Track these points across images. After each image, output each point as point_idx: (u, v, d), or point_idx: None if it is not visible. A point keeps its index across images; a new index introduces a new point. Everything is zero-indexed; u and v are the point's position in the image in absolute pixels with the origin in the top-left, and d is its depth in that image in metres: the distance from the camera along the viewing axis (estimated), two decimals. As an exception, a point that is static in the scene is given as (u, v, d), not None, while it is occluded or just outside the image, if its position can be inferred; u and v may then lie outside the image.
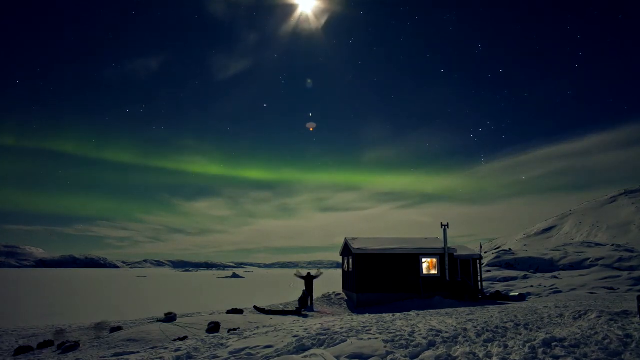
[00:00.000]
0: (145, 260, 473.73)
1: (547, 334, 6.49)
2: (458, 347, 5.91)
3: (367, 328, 7.58)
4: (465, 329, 7.14)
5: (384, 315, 10.51)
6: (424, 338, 6.47)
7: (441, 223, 19.92)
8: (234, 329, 10.96)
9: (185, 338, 9.76)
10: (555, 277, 28.14)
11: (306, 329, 7.92)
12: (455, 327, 7.41)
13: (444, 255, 19.57)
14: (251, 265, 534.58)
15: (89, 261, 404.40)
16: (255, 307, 18.41)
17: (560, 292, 23.41)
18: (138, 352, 7.78)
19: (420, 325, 7.75)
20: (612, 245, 37.47)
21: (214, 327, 11.51)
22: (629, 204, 60.18)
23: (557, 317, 8.67)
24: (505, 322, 7.94)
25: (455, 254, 20.05)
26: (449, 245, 19.77)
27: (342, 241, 22.52)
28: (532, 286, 25.57)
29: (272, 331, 8.31)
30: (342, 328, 7.67)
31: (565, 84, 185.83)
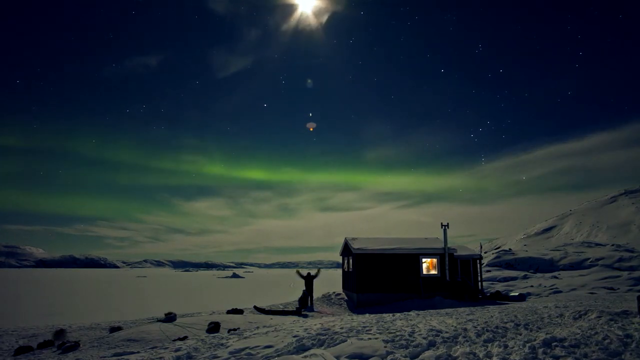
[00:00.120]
0: (145, 260, 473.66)
1: (547, 334, 6.48)
2: (458, 347, 5.91)
3: (367, 328, 7.58)
4: (465, 329, 7.13)
5: (384, 315, 10.51)
6: (424, 338, 6.47)
7: (441, 223, 19.93)
8: (234, 329, 10.96)
9: (185, 338, 9.76)
10: (555, 277, 28.13)
11: (306, 329, 7.92)
12: (455, 327, 7.41)
13: (444, 255, 19.57)
14: (251, 265, 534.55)
15: (89, 261, 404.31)
16: (255, 307, 18.41)
17: (560, 292, 23.41)
18: (138, 352, 7.78)
19: (421, 325, 7.75)
20: (612, 245, 37.46)
21: (214, 327, 11.51)
22: (629, 204, 60.17)
23: (557, 317, 8.67)
24: (505, 322, 7.94)
25: (455, 254, 20.05)
26: (449, 245, 19.76)
27: (342, 241, 22.52)
28: (532, 286, 25.56)
29: (272, 331, 8.31)
30: (342, 328, 7.67)
31: (566, 84, 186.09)
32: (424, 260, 19.79)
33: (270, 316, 15.12)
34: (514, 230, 72.96)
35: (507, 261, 33.80)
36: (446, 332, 6.86)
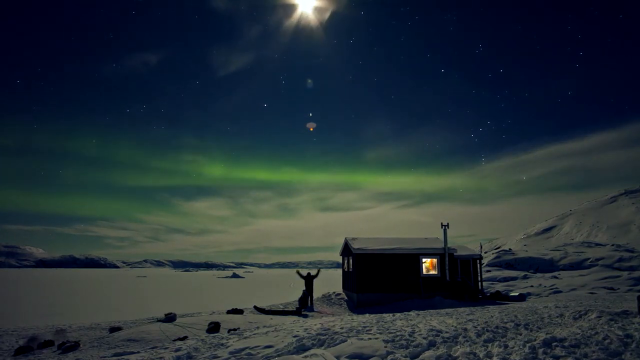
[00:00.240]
0: (145, 260, 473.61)
1: (547, 334, 6.48)
2: (458, 347, 5.91)
3: (368, 328, 7.58)
4: (465, 329, 7.13)
5: (384, 315, 10.51)
6: (424, 338, 6.47)
7: (441, 223, 19.93)
8: (234, 329, 10.95)
9: (185, 338, 9.76)
10: (555, 277, 28.13)
11: (306, 329, 7.92)
12: (456, 327, 7.40)
13: (444, 255, 19.56)
14: (251, 265, 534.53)
15: (89, 261, 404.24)
16: (255, 307, 18.40)
17: (560, 292, 23.41)
18: (138, 352, 7.78)
19: (421, 325, 7.75)
20: (612, 245, 37.46)
21: (214, 327, 11.51)
22: (629, 204, 60.16)
23: (557, 317, 8.67)
24: (506, 322, 7.94)
25: (455, 254, 20.05)
26: (449, 245, 19.76)
27: (342, 241, 22.52)
28: (532, 286, 25.56)
29: (272, 331, 8.31)
30: (342, 328, 7.67)
31: (566, 84, 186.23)
32: (424, 260, 19.79)
33: (270, 316, 15.11)
34: (514, 230, 73.04)
35: (507, 261, 33.80)
36: (446, 332, 6.86)
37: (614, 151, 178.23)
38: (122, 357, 7.64)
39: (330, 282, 35.44)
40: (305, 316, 15.81)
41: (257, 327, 10.63)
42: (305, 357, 5.56)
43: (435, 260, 19.79)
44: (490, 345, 5.98)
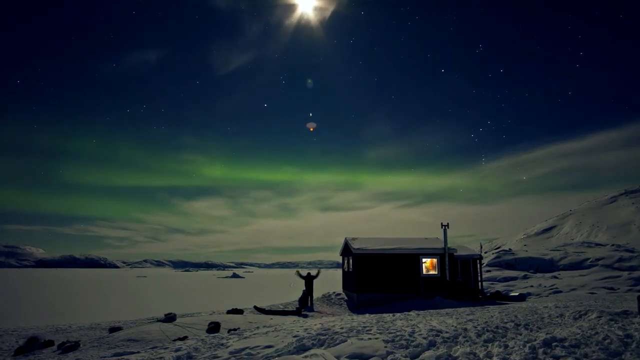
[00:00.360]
0: (145, 260, 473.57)
1: (547, 334, 6.48)
2: (458, 347, 5.91)
3: (368, 328, 7.58)
4: (465, 329, 7.13)
5: (384, 315, 10.51)
6: (424, 338, 6.47)
7: (441, 223, 19.93)
8: (234, 329, 10.95)
9: (185, 338, 9.76)
10: (555, 277, 28.13)
11: (306, 329, 7.92)
12: (456, 327, 7.40)
13: (444, 255, 19.56)
14: (251, 265, 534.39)
15: (89, 261, 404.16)
16: (255, 307, 18.40)
17: (560, 292, 23.41)
18: (138, 352, 7.78)
19: (421, 325, 7.75)
20: (612, 245, 37.46)
21: (214, 327, 11.51)
22: (629, 204, 60.17)
23: (557, 317, 8.67)
24: (506, 322, 7.93)
25: (455, 254, 20.05)
26: (449, 245, 19.76)
27: (342, 241, 22.51)
28: (532, 286, 25.56)
29: (273, 331, 8.31)
30: (342, 328, 7.67)
31: (566, 84, 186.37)
32: (424, 260, 19.79)
33: (271, 316, 15.11)
34: (514, 230, 73.03)
35: (507, 261, 33.80)
36: (446, 332, 6.86)
37: (614, 151, 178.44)
38: (122, 357, 7.64)
39: (330, 282, 35.44)
40: (305, 316, 15.81)
41: (257, 327, 10.63)
42: (306, 357, 5.56)
43: (435, 260, 19.79)
44: (490, 345, 5.98)
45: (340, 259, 23.78)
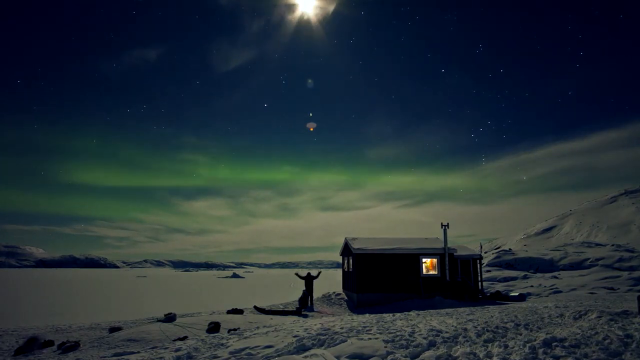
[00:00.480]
0: (145, 260, 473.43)
1: (547, 334, 6.48)
2: (458, 347, 5.91)
3: (368, 328, 7.58)
4: (465, 329, 7.13)
5: (384, 315, 10.51)
6: (424, 338, 6.47)
7: (441, 223, 19.94)
8: (234, 329, 10.95)
9: (185, 338, 9.76)
10: (555, 277, 28.13)
11: (306, 329, 7.92)
12: (456, 327, 7.40)
13: (444, 255, 19.56)
14: (251, 265, 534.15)
15: (89, 261, 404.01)
16: (255, 307, 18.40)
17: (561, 292, 23.41)
18: (138, 352, 7.77)
19: (421, 325, 7.75)
20: (612, 245, 37.46)
21: (214, 327, 11.51)
22: (629, 204, 60.16)
23: (558, 317, 8.67)
24: (506, 322, 7.94)
25: (455, 254, 20.05)
26: (449, 245, 19.76)
27: (342, 241, 22.51)
28: (532, 286, 25.56)
29: (273, 331, 8.31)
30: (342, 328, 7.67)
31: (566, 84, 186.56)
32: (424, 260, 19.79)
33: (271, 316, 15.11)
34: (514, 230, 73.03)
35: (507, 261, 33.80)
36: (446, 332, 6.86)
37: (615, 151, 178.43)
38: (122, 357, 7.63)
39: (330, 282, 35.44)
40: (305, 316, 15.81)
41: (257, 327, 10.63)
42: (306, 357, 5.56)
43: (435, 260, 19.79)
44: (490, 345, 5.98)
45: (340, 259, 23.78)
